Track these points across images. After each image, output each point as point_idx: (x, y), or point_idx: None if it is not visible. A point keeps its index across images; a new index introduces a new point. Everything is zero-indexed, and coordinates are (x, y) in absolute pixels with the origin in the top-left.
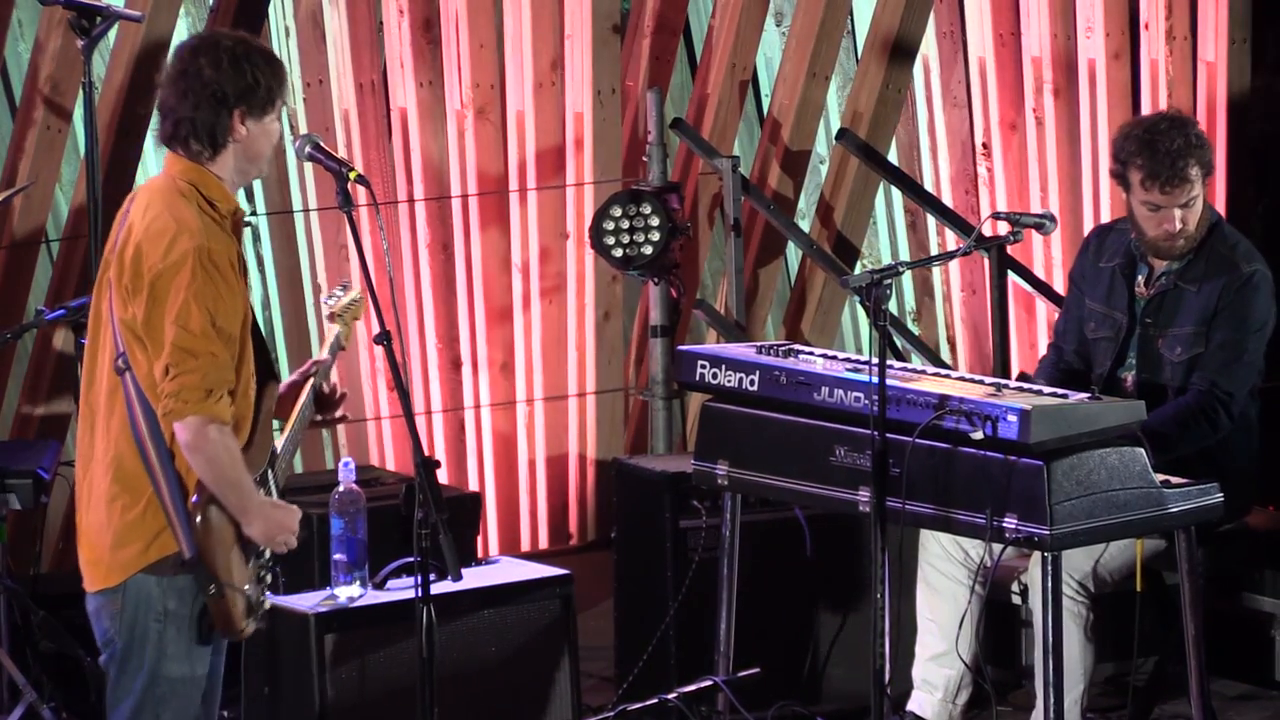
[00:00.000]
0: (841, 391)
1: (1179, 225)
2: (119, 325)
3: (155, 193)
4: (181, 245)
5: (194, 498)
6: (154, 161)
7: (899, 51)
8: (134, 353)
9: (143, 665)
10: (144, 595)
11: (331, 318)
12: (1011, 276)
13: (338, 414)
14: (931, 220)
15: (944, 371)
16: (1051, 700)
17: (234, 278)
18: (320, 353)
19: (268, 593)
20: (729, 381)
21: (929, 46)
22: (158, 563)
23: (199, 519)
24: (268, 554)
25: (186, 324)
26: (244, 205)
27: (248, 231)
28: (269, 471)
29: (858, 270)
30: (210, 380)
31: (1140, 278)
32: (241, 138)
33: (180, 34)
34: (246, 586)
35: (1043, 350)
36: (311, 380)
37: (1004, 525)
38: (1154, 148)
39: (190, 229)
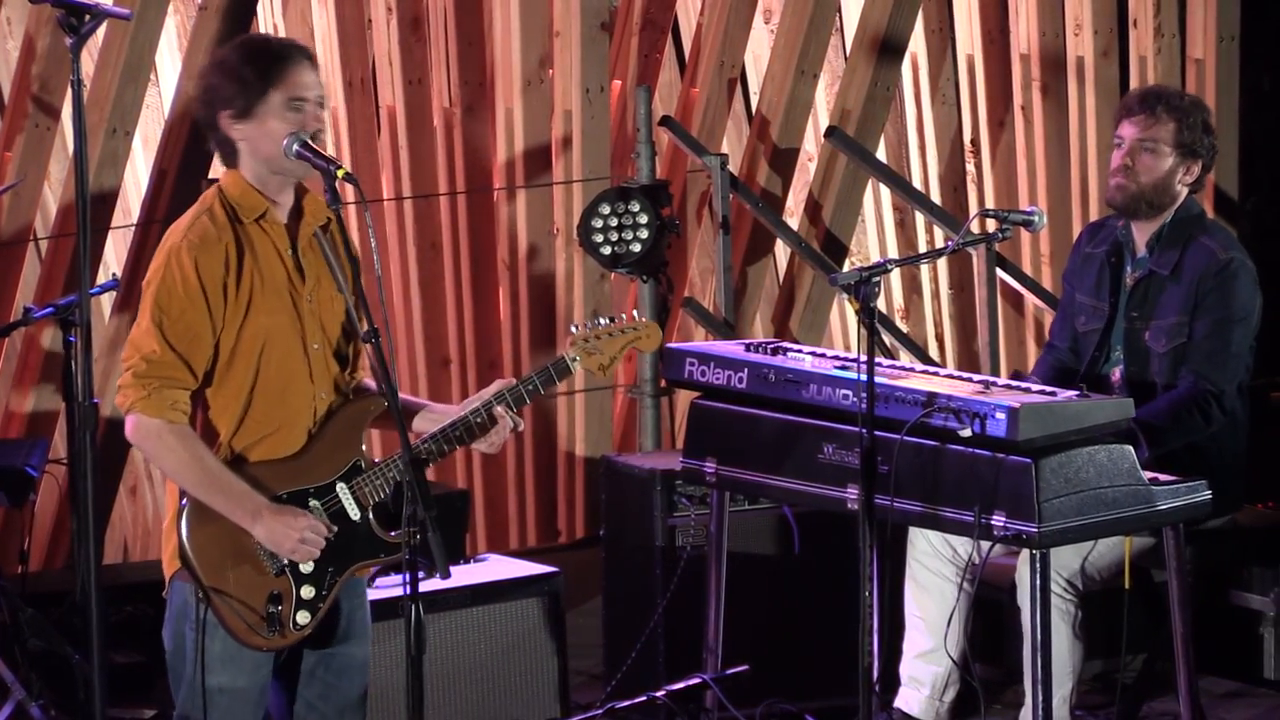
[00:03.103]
0: (830, 389)
1: (1126, 159)
2: None
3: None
4: (165, 247)
5: (182, 500)
6: (142, 160)
7: (887, 49)
8: None
9: (184, 674)
10: (183, 604)
11: (571, 343)
12: (999, 274)
13: (485, 445)
14: (920, 218)
15: (932, 369)
16: (1040, 698)
17: (197, 288)
18: (496, 385)
19: (316, 609)
20: (717, 379)
21: (917, 44)
22: (183, 569)
23: (183, 520)
24: (310, 566)
25: (140, 320)
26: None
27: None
28: (340, 485)
29: (846, 268)
30: (145, 377)
31: (1128, 268)
32: (241, 138)
33: (169, 32)
34: (267, 595)
35: (1031, 347)
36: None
37: (992, 523)
38: (1144, 89)
39: (176, 232)
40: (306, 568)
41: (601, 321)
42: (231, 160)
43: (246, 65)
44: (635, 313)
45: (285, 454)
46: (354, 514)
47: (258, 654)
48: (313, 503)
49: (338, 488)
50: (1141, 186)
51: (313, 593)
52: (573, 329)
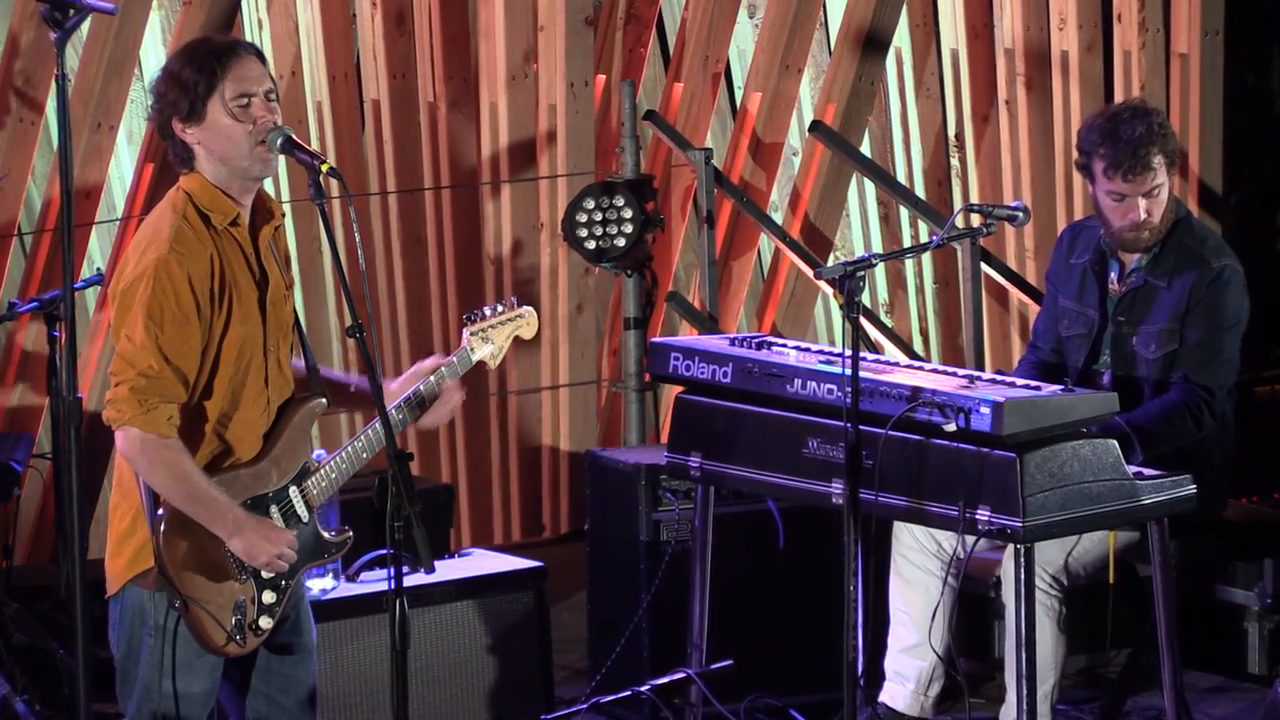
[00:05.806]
0: (814, 384)
1: (1143, 215)
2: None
3: (158, 205)
4: (148, 257)
5: (160, 510)
6: (126, 155)
7: (871, 43)
8: None
9: (137, 679)
10: (138, 609)
11: (470, 334)
12: (983, 268)
13: (429, 418)
14: (904, 212)
15: (917, 364)
16: (1024, 692)
17: (189, 302)
18: (433, 360)
19: (275, 613)
20: (702, 374)
21: (901, 38)
22: (144, 574)
23: (161, 530)
24: (272, 572)
25: (131, 334)
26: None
27: None
28: (292, 488)
29: (831, 262)
30: (144, 392)
31: (1113, 274)
32: (197, 143)
33: (153, 27)
34: (234, 602)
35: (1015, 342)
36: (413, 387)
37: (977, 517)
38: (1116, 136)
39: (159, 240)
40: (268, 574)
41: (487, 311)
42: (189, 165)
43: (188, 67)
44: (514, 299)
45: (245, 459)
46: (304, 516)
47: (215, 659)
48: (273, 509)
49: (290, 491)
50: (1160, 227)
51: (273, 598)
52: (465, 318)
